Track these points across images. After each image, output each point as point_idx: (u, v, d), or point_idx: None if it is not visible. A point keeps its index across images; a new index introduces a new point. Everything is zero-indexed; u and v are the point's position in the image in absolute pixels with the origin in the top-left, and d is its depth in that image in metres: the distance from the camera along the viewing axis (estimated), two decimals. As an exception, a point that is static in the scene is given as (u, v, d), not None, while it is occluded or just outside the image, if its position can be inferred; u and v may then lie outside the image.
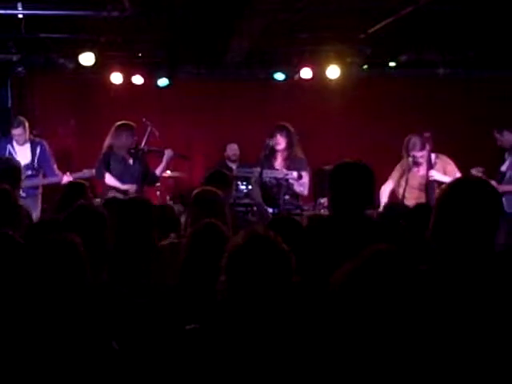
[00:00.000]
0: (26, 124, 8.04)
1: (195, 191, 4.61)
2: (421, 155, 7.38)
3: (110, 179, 7.59)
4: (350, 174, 3.85)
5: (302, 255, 3.36)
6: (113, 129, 7.72)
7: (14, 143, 8.06)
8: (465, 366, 2.36)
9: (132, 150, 7.66)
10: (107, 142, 7.72)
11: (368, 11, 7.24)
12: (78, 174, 7.61)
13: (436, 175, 7.34)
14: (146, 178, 7.76)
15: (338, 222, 3.80)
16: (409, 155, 7.40)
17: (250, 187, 7.46)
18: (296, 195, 7.78)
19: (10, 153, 7.99)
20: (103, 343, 2.63)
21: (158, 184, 8.56)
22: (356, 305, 1.94)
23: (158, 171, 7.92)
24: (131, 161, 7.69)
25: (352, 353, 1.95)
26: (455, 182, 2.74)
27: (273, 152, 7.84)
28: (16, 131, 7.96)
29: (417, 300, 2.18)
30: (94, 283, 2.93)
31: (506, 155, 7.84)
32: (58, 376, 2.48)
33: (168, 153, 7.93)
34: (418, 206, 4.99)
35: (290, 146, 7.77)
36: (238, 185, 7.52)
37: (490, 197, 2.58)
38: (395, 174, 7.64)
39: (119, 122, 7.75)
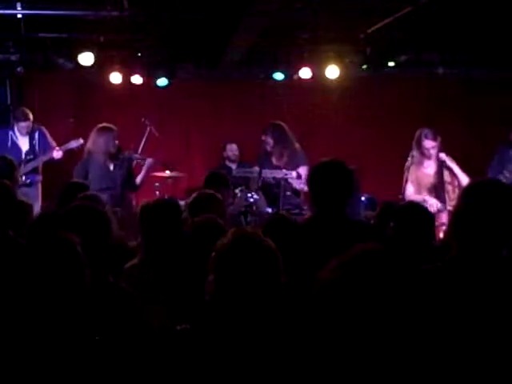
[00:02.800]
0: (31, 116, 8.23)
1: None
2: (432, 146, 7.12)
3: None
4: (328, 173, 3.85)
5: (294, 255, 3.37)
6: (92, 132, 7.65)
7: (16, 131, 8.22)
8: (461, 368, 2.36)
9: (113, 155, 7.57)
10: (87, 145, 7.68)
11: (367, 11, 7.25)
12: (65, 146, 8.05)
13: (444, 157, 7.10)
14: (127, 184, 7.67)
15: (319, 222, 3.80)
16: (420, 146, 7.16)
17: (256, 196, 7.41)
18: (297, 192, 7.77)
19: (12, 139, 8.10)
20: (98, 342, 2.64)
21: (157, 184, 8.55)
22: (342, 303, 1.93)
23: (138, 179, 7.86)
24: (112, 166, 7.61)
25: (339, 351, 1.94)
26: (478, 182, 2.72)
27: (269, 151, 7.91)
28: (24, 124, 8.19)
29: (413, 299, 2.17)
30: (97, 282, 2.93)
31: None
32: (55, 373, 2.50)
33: (148, 161, 7.90)
34: (406, 206, 4.86)
35: (278, 142, 7.79)
36: (246, 193, 7.44)
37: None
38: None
39: (100, 125, 7.66)
